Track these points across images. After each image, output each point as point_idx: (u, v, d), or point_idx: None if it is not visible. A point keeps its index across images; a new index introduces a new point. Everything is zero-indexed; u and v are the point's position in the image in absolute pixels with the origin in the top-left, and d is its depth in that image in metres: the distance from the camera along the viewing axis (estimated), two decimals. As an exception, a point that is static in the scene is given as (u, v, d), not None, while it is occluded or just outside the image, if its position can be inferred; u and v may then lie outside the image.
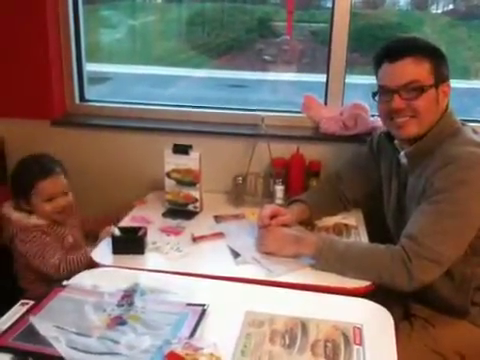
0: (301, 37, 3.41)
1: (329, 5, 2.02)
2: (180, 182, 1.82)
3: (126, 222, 1.72)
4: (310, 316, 1.16)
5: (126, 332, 1.07)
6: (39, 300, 1.19)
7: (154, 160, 1.86)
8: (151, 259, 1.48)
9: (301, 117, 2.10)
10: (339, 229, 1.70)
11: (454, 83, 1.44)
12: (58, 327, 1.08)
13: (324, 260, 1.39)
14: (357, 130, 1.97)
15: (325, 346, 1.06)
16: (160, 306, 1.17)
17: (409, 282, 1.29)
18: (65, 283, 1.27)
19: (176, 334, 1.07)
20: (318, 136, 2.03)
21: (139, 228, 1.55)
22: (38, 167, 1.74)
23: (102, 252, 1.51)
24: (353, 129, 1.97)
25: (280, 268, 1.41)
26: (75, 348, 1.02)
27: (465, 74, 2.98)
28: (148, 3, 4.29)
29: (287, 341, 1.08)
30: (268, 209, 1.59)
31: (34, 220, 1.72)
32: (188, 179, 1.81)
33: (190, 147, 1.79)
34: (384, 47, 1.43)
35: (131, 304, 1.18)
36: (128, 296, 1.21)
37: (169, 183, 1.83)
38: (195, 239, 1.60)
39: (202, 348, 0.98)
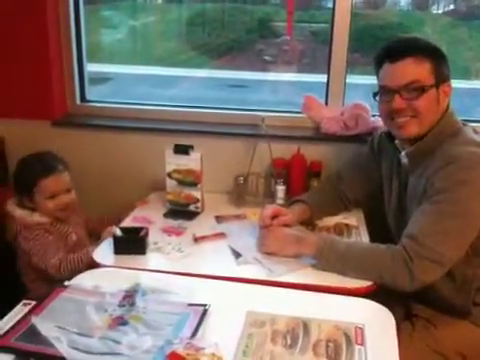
0: (301, 37, 3.42)
1: (329, 5, 2.02)
2: (181, 182, 1.82)
3: (127, 222, 1.72)
4: (312, 316, 1.16)
5: (127, 332, 1.07)
6: (41, 300, 1.19)
7: (155, 160, 1.86)
8: (152, 259, 1.48)
9: (302, 117, 2.10)
10: (340, 229, 1.70)
11: (455, 83, 1.44)
12: (60, 327, 1.08)
13: (325, 260, 1.39)
14: (358, 130, 1.97)
15: (327, 346, 1.06)
16: (161, 306, 1.17)
17: (410, 282, 1.29)
18: (66, 283, 1.27)
19: (177, 334, 1.07)
20: (319, 136, 2.03)
21: (140, 228, 1.55)
22: (40, 165, 1.74)
23: (103, 252, 1.51)
24: (354, 129, 1.97)
25: (281, 268, 1.41)
26: (77, 348, 1.02)
27: (466, 74, 2.99)
28: (149, 3, 4.29)
29: (289, 341, 1.08)
30: (269, 209, 1.59)
31: (37, 218, 1.72)
32: (189, 179, 1.81)
33: (191, 147, 1.79)
34: (385, 47, 1.43)
35: (132, 304, 1.18)
36: (129, 296, 1.21)
37: (170, 183, 1.83)
38: (196, 239, 1.60)
39: (203, 348, 0.98)
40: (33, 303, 1.18)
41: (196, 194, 1.82)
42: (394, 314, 1.20)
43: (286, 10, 2.88)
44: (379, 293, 1.32)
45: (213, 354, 0.97)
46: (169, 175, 1.83)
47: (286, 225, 1.57)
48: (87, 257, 1.59)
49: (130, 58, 3.90)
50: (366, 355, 1.04)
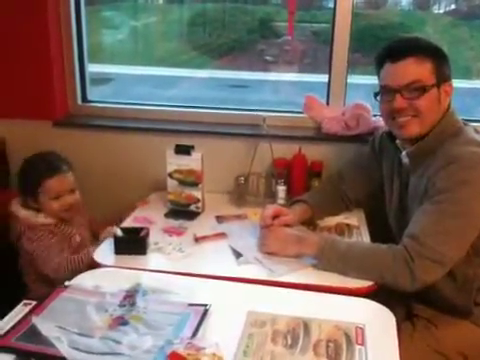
0: (302, 37, 3.42)
1: (330, 5, 2.02)
2: (182, 182, 1.82)
3: (128, 222, 1.72)
4: (312, 316, 1.16)
5: (128, 332, 1.07)
6: (41, 300, 1.19)
7: (156, 161, 1.86)
8: (153, 259, 1.48)
9: (303, 117, 2.10)
10: (341, 229, 1.70)
11: (456, 83, 1.44)
12: (60, 327, 1.08)
13: (326, 260, 1.39)
14: (359, 130, 1.96)
15: (327, 346, 1.06)
16: (162, 306, 1.17)
17: (412, 282, 1.29)
18: (67, 283, 1.27)
19: (178, 334, 1.07)
20: (320, 136, 2.03)
21: (141, 228, 1.55)
22: (44, 165, 1.74)
23: (104, 252, 1.51)
24: (355, 129, 1.97)
25: (282, 268, 1.41)
26: (77, 348, 1.02)
27: (467, 74, 2.99)
28: (150, 4, 4.30)
29: (289, 341, 1.08)
30: (270, 209, 1.59)
31: (42, 219, 1.72)
32: (190, 179, 1.81)
33: (192, 147, 1.79)
34: (386, 47, 1.43)
35: (133, 304, 1.18)
36: (130, 296, 1.21)
37: (171, 183, 1.84)
38: (197, 239, 1.60)
39: (204, 348, 0.98)
40: (34, 303, 1.18)
41: (197, 194, 1.82)
42: (395, 314, 1.20)
43: (287, 10, 2.88)
44: (380, 293, 1.32)
45: (214, 354, 0.97)
46: (170, 175, 1.83)
47: (287, 225, 1.57)
48: (88, 257, 1.59)
49: (131, 58, 3.91)
50: (366, 355, 1.04)
